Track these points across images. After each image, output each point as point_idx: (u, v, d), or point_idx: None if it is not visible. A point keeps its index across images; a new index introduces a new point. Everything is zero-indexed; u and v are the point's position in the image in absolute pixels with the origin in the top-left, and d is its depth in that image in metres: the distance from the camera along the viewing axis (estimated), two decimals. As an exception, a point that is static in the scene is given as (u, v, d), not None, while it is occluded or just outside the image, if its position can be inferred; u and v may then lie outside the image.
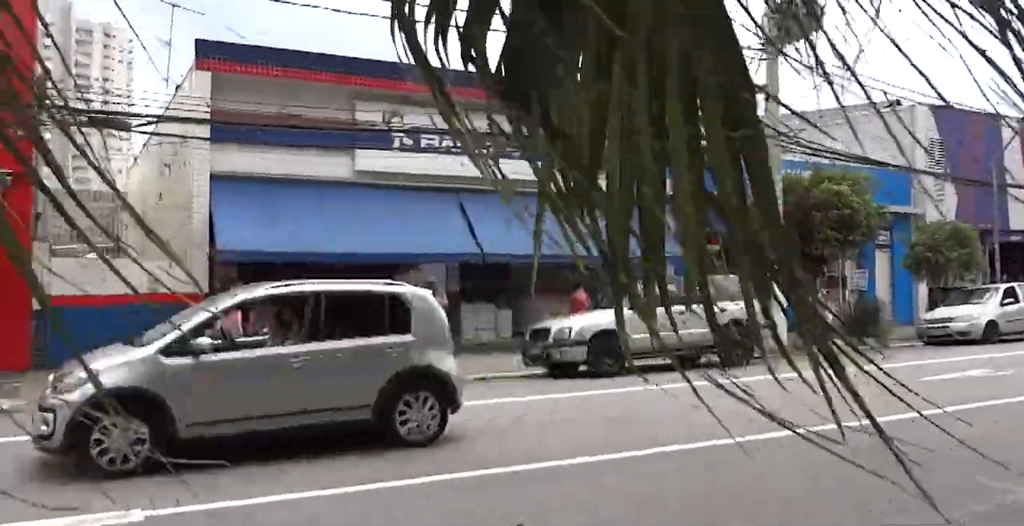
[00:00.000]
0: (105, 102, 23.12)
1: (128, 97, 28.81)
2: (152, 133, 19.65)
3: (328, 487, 7.13)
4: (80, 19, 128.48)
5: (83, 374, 7.77)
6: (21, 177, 17.03)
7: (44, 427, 7.94)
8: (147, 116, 18.14)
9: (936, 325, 23.94)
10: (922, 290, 29.34)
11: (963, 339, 23.02)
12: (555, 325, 16.75)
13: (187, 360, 8.46)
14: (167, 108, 19.40)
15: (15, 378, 15.09)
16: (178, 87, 21.39)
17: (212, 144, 18.50)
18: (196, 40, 19.06)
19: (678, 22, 1.53)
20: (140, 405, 7.97)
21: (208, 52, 18.85)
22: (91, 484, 7.36)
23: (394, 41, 1.64)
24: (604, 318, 15.73)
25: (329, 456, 8.57)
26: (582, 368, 16.39)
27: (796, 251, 1.76)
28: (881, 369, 1.69)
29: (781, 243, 1.68)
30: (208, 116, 18.37)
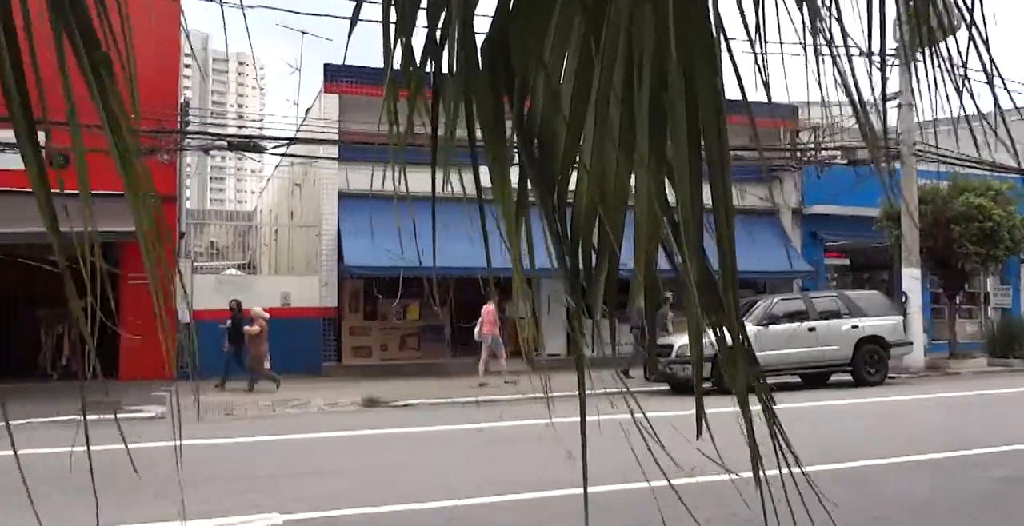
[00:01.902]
0: (240, 127, 24.26)
1: (261, 121, 30.16)
2: (283, 155, 20.50)
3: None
4: (216, 50, 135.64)
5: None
6: (168, 198, 18.08)
7: None
8: (279, 138, 18.97)
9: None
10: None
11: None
12: (677, 341, 16.60)
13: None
14: (297, 130, 20.23)
15: (164, 387, 15.97)
16: (308, 110, 22.28)
17: (339, 163, 19.19)
18: (324, 65, 19.83)
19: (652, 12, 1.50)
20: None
21: (335, 75, 19.58)
22: (219, 487, 7.67)
23: (391, 45, 1.63)
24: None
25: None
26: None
27: (732, 278, 1.65)
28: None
29: (726, 261, 1.60)
30: (336, 137, 19.07)
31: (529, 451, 9.38)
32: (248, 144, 18.72)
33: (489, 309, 17.29)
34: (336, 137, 19.11)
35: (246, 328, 16.53)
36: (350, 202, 19.07)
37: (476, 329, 17.43)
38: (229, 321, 17.10)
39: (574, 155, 1.65)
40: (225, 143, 18.76)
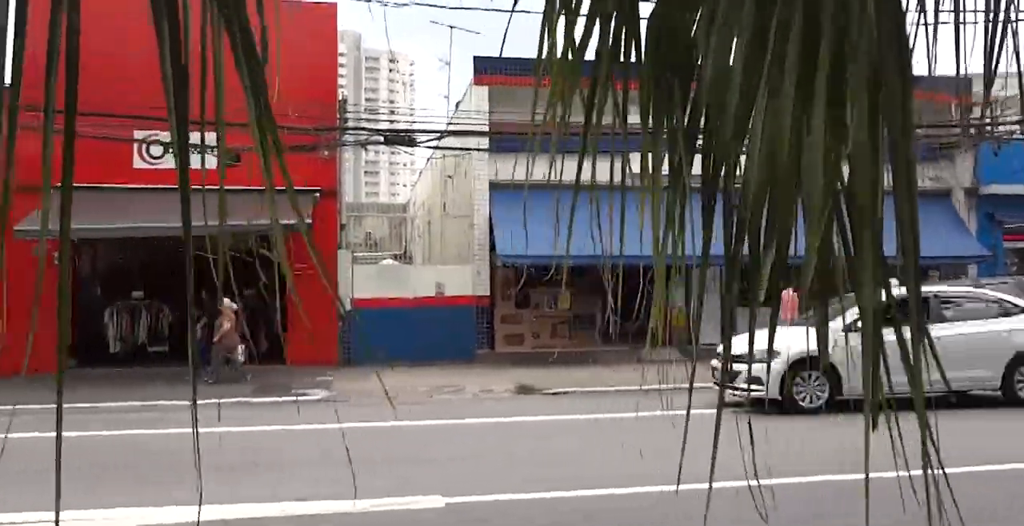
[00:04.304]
0: (392, 122, 24.99)
1: (412, 115, 30.98)
2: (435, 147, 20.98)
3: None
4: (368, 48, 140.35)
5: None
6: (329, 193, 18.89)
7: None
8: (431, 131, 19.43)
9: None
10: None
11: None
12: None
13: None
14: (448, 123, 20.67)
15: (328, 372, 16.73)
16: (458, 103, 22.71)
17: (490, 154, 19.49)
18: (474, 57, 20.14)
19: None
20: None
21: (485, 68, 19.85)
22: (382, 468, 7.96)
23: (547, 34, 1.59)
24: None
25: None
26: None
27: (915, 262, 1.49)
28: None
29: (911, 250, 1.45)
30: (486, 128, 19.36)
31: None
32: (402, 138, 19.28)
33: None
34: (486, 128, 19.40)
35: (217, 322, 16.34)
36: (501, 192, 19.33)
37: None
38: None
39: (744, 134, 1.57)
40: (381, 138, 19.39)
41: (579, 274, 18.03)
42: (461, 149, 20.29)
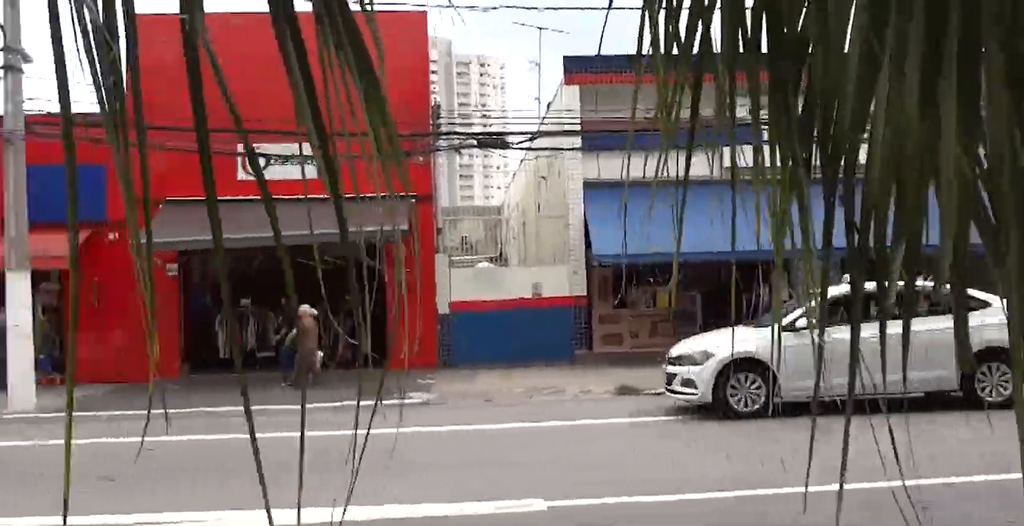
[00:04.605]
0: (484, 125, 25.19)
1: (504, 118, 31.12)
2: (527, 149, 21.04)
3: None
4: (458, 54, 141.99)
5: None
6: (425, 198, 19.17)
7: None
8: (523, 133, 19.51)
9: None
10: None
11: None
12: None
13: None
14: (540, 124, 20.69)
15: (429, 375, 16.97)
16: (549, 104, 22.72)
17: (584, 153, 19.43)
18: (563, 57, 20.12)
19: None
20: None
21: (575, 67, 19.81)
22: (482, 471, 8.00)
23: (648, 28, 1.55)
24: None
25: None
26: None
27: None
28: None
29: None
30: (578, 127, 19.32)
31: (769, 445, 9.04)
32: (495, 141, 19.41)
33: None
34: (578, 127, 19.36)
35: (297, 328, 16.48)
36: (595, 191, 19.25)
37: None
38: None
39: (863, 122, 1.49)
40: (474, 142, 19.56)
41: (686, 270, 17.82)
42: (553, 149, 20.30)
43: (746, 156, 1.65)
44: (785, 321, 11.50)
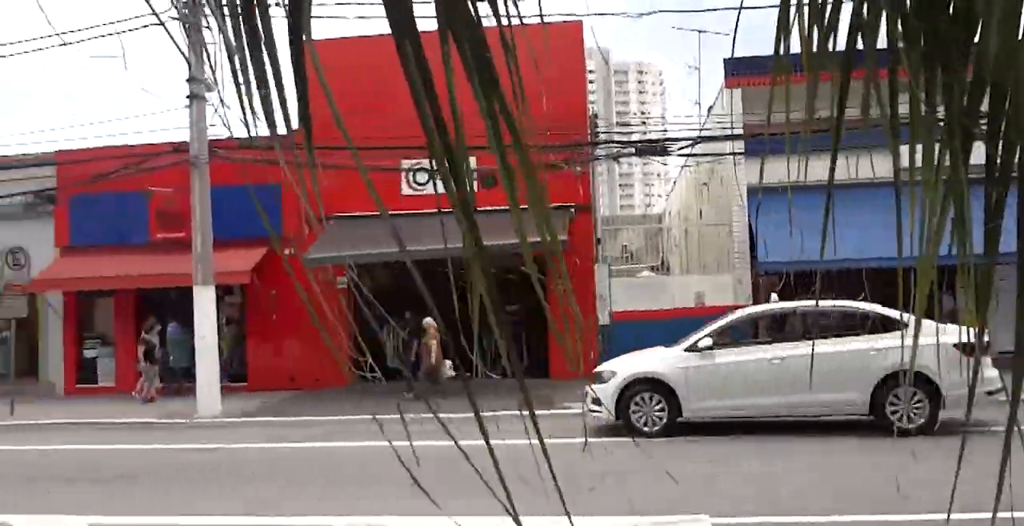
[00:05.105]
0: (643, 133, 24.96)
1: (663, 124, 30.76)
2: (688, 155, 20.69)
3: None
4: (616, 62, 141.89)
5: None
6: (584, 208, 19.20)
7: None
8: (683, 139, 19.19)
9: None
10: None
11: None
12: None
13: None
14: (701, 129, 20.30)
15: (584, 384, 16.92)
16: (710, 108, 22.27)
17: (747, 158, 18.90)
18: (724, 59, 19.68)
19: None
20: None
21: (736, 69, 19.34)
22: (646, 485, 7.87)
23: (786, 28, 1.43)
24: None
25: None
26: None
27: None
28: None
29: None
30: (741, 131, 18.81)
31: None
32: (654, 148, 19.19)
33: None
34: (741, 131, 18.86)
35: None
36: (761, 196, 18.71)
37: None
38: None
39: None
40: (632, 150, 19.42)
41: (847, 277, 17.02)
42: (714, 155, 19.87)
43: (907, 157, 1.53)
44: (689, 342, 11.43)
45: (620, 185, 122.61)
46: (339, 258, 17.69)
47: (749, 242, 19.26)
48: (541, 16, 1.45)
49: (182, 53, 14.14)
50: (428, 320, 16.69)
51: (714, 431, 11.20)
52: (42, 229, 20.79)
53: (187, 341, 17.71)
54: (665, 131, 21.83)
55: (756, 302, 19.67)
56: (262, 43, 1.21)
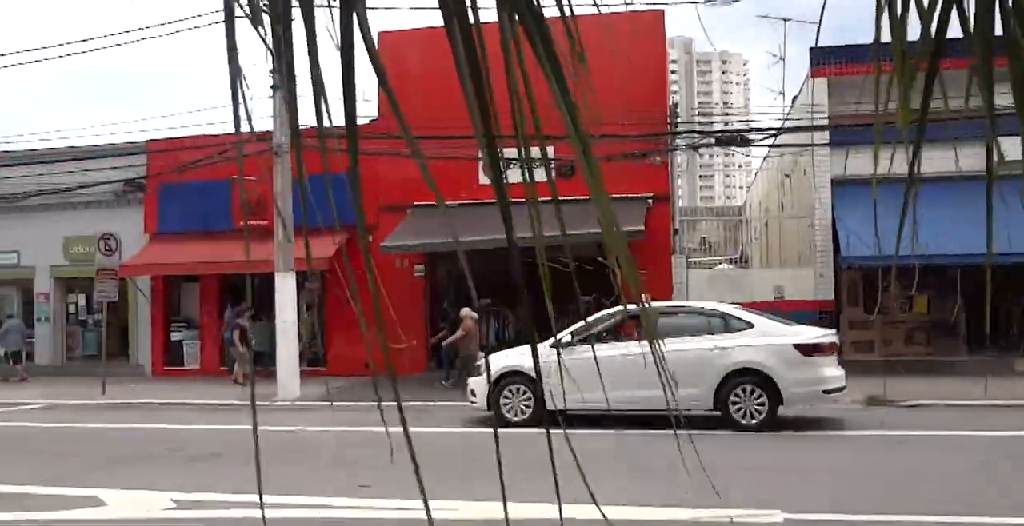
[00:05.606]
0: (726, 123, 24.56)
1: (747, 115, 30.22)
2: (771, 145, 20.27)
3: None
4: (699, 51, 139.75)
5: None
6: (661, 198, 18.98)
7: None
8: (766, 130, 18.79)
9: None
10: None
11: None
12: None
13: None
14: (784, 120, 19.84)
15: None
16: (795, 98, 21.75)
17: (832, 149, 18.40)
18: (810, 48, 19.18)
19: None
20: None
21: (823, 59, 18.83)
22: (720, 478, 7.78)
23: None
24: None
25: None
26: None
27: None
28: None
29: None
30: (826, 122, 18.33)
31: None
32: (735, 138, 18.86)
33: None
34: (826, 122, 18.37)
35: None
36: (845, 189, 18.18)
37: None
38: None
39: None
40: (712, 140, 19.12)
41: (937, 274, 16.49)
42: (798, 146, 19.42)
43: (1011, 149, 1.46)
44: (554, 339, 11.18)
45: (700, 176, 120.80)
46: (416, 246, 17.87)
47: (832, 235, 18.78)
48: (626, 2, 1.43)
49: (266, 44, 14.41)
50: (465, 310, 16.84)
51: (588, 424, 10.80)
52: (132, 216, 21.56)
53: (267, 327, 18.16)
54: (748, 122, 21.44)
55: (838, 297, 19.20)
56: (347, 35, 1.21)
